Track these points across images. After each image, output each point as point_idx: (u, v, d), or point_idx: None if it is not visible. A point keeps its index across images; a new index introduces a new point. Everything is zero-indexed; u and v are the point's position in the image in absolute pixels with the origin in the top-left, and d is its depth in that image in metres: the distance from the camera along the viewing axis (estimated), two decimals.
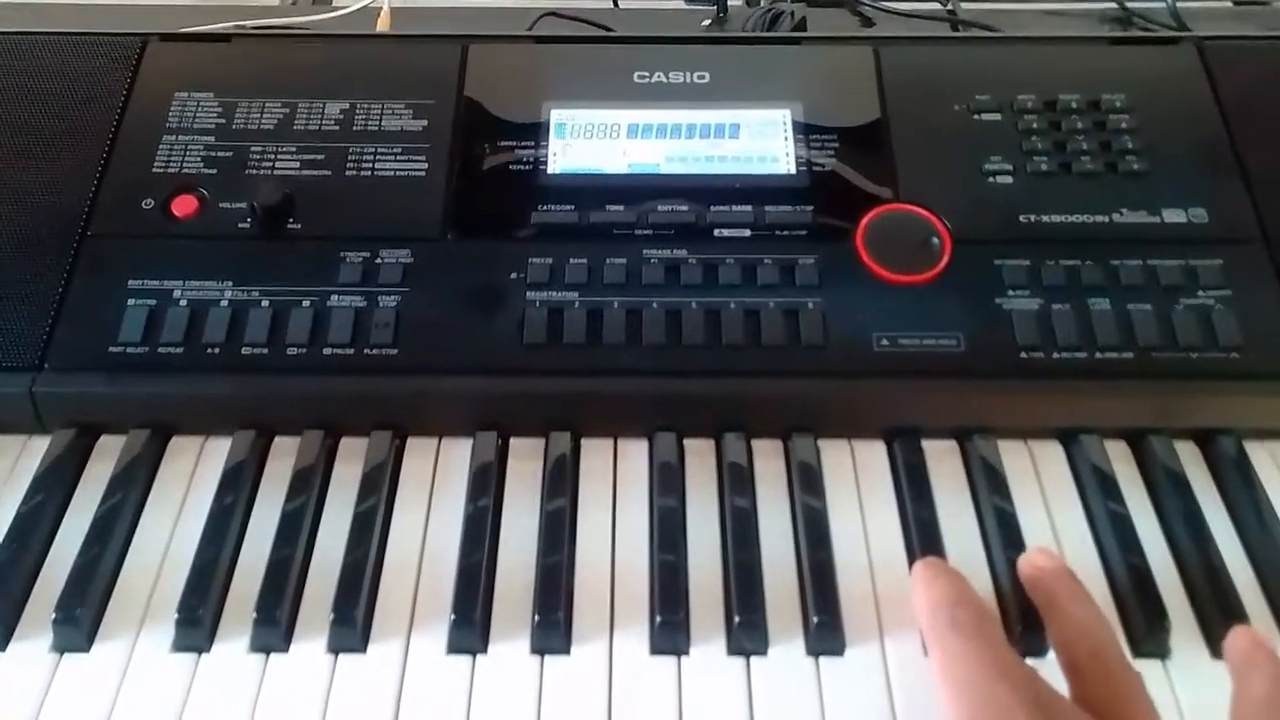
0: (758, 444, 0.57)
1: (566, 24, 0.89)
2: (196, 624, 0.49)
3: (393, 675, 0.48)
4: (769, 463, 0.56)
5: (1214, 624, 0.49)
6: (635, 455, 0.57)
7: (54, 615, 0.49)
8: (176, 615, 0.49)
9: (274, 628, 0.49)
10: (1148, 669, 0.48)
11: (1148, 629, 0.49)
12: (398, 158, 0.64)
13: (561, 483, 0.55)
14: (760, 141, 0.65)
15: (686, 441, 0.57)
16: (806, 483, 0.55)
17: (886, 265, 0.60)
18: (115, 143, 0.64)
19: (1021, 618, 0.49)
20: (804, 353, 0.57)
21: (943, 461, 0.57)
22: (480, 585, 0.50)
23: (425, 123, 0.65)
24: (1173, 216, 0.61)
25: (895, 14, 0.93)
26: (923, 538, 0.52)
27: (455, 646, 0.49)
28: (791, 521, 0.54)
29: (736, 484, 0.54)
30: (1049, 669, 0.48)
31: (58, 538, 0.54)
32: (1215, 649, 0.49)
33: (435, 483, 0.56)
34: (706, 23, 0.94)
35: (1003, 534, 0.53)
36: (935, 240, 0.61)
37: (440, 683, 0.48)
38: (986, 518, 0.54)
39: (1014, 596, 0.50)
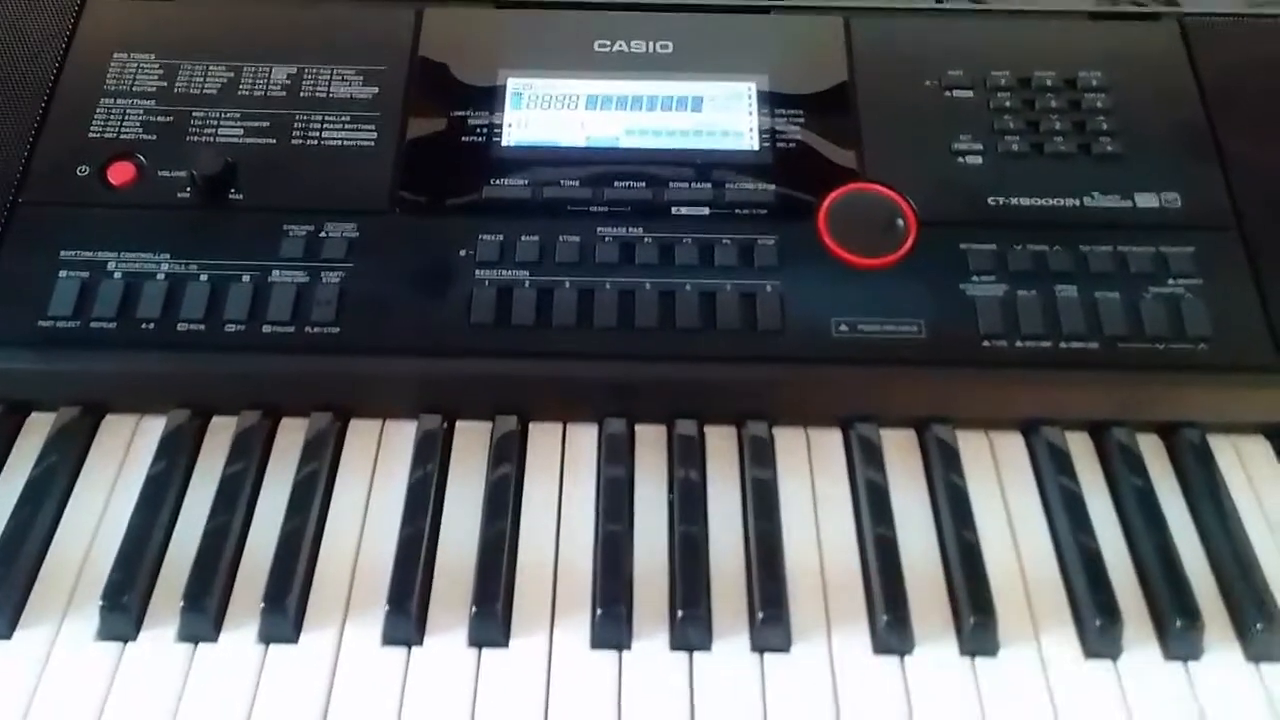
0: (711, 441, 0.55)
1: None
2: (122, 611, 0.47)
3: (325, 667, 0.47)
4: (722, 457, 0.54)
5: (1169, 624, 0.48)
6: (584, 441, 0.55)
7: None
8: (101, 602, 0.48)
9: (202, 616, 0.48)
10: (1097, 670, 0.47)
11: (1100, 628, 0.47)
12: (346, 126, 0.62)
13: (506, 470, 0.53)
14: (723, 115, 0.62)
15: (638, 433, 0.55)
16: (758, 461, 0.53)
17: (849, 247, 0.58)
18: (50, 105, 0.62)
19: (974, 610, 0.48)
20: (760, 337, 0.55)
21: (900, 450, 0.55)
22: (417, 575, 0.49)
23: (376, 90, 0.63)
24: (1145, 201, 0.59)
25: None
26: (877, 538, 0.51)
27: (390, 638, 0.48)
28: (742, 515, 0.52)
29: (685, 458, 0.53)
30: (1007, 667, 0.47)
31: None
32: (1169, 650, 0.48)
33: (377, 466, 0.54)
34: None
35: (958, 527, 0.51)
36: (900, 222, 0.59)
37: (374, 675, 0.47)
38: (942, 509, 0.53)
39: (966, 588, 0.49)
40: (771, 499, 0.52)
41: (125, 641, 0.48)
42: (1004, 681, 0.47)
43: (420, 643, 0.48)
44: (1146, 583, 0.50)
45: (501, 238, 0.58)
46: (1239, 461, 0.55)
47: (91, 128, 0.61)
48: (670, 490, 0.53)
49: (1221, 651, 0.48)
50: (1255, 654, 0.47)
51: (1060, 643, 0.48)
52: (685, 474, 0.53)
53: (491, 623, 0.47)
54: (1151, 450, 0.55)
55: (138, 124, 0.61)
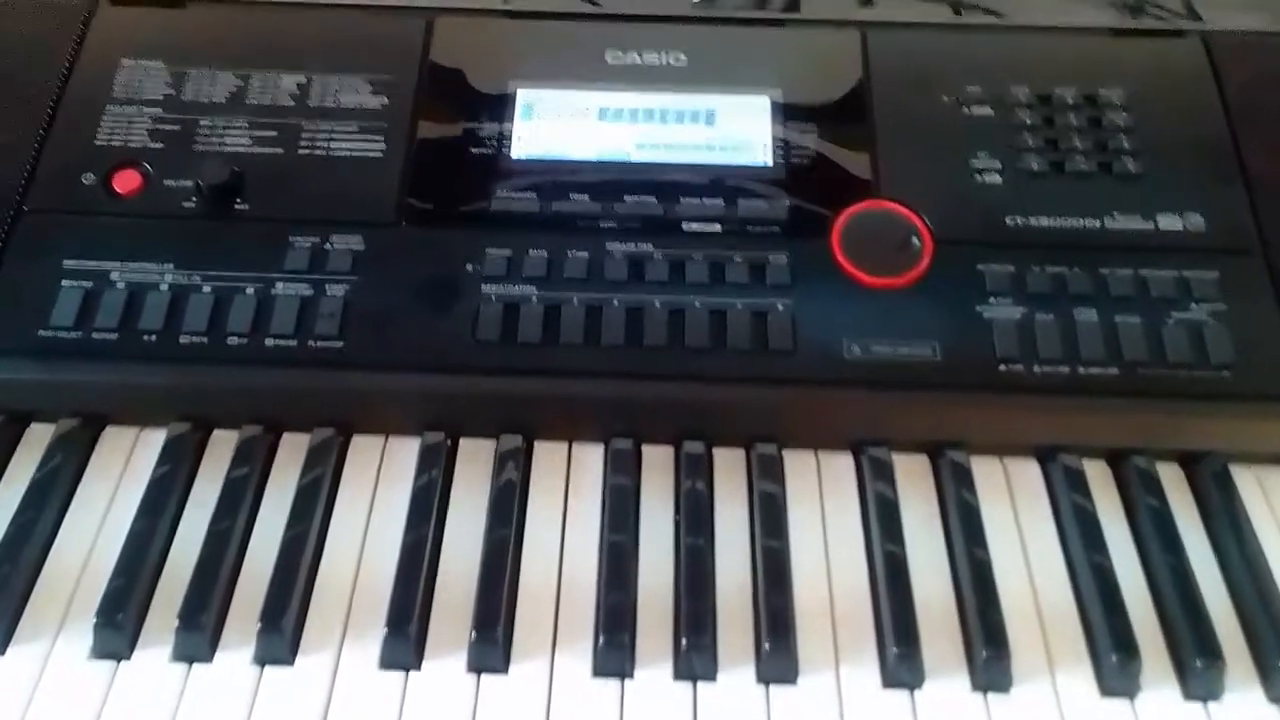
0: (719, 464, 0.54)
1: None
2: (116, 629, 0.47)
3: (321, 690, 0.46)
4: (730, 481, 0.53)
5: (1188, 663, 0.46)
6: (590, 461, 0.54)
7: None
8: (95, 619, 0.47)
9: (198, 635, 0.47)
10: (1114, 709, 0.45)
11: (1117, 665, 0.46)
12: (354, 137, 0.61)
13: (509, 490, 0.52)
14: (737, 130, 0.61)
15: (645, 454, 0.54)
16: (765, 476, 0.52)
17: (862, 266, 0.57)
18: (57, 112, 0.61)
19: (987, 643, 0.47)
20: (771, 358, 0.54)
21: (912, 475, 0.54)
22: (417, 597, 0.48)
23: (385, 100, 0.62)
24: (1168, 223, 0.58)
25: None
26: (888, 566, 0.49)
27: (388, 661, 0.47)
28: (749, 541, 0.51)
29: (692, 480, 0.52)
30: (1020, 704, 0.45)
31: None
32: (1188, 690, 0.46)
33: (379, 484, 0.53)
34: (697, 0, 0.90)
35: (971, 556, 0.50)
36: (915, 241, 0.57)
37: (370, 700, 0.46)
38: (955, 537, 0.51)
39: (979, 620, 0.47)
40: (779, 515, 0.51)
41: (119, 660, 0.47)
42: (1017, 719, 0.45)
43: (418, 667, 0.47)
44: (1166, 618, 0.48)
45: (509, 252, 0.57)
46: (1262, 493, 0.53)
47: (98, 135, 0.60)
48: (676, 513, 0.52)
49: (1243, 691, 0.46)
50: (1278, 695, 0.46)
51: (1076, 680, 0.47)
52: (692, 497, 0.52)
53: (492, 648, 0.46)
54: (1172, 480, 0.54)
55: (144, 132, 0.61)
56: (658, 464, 0.54)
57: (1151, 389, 0.53)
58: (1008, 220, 0.58)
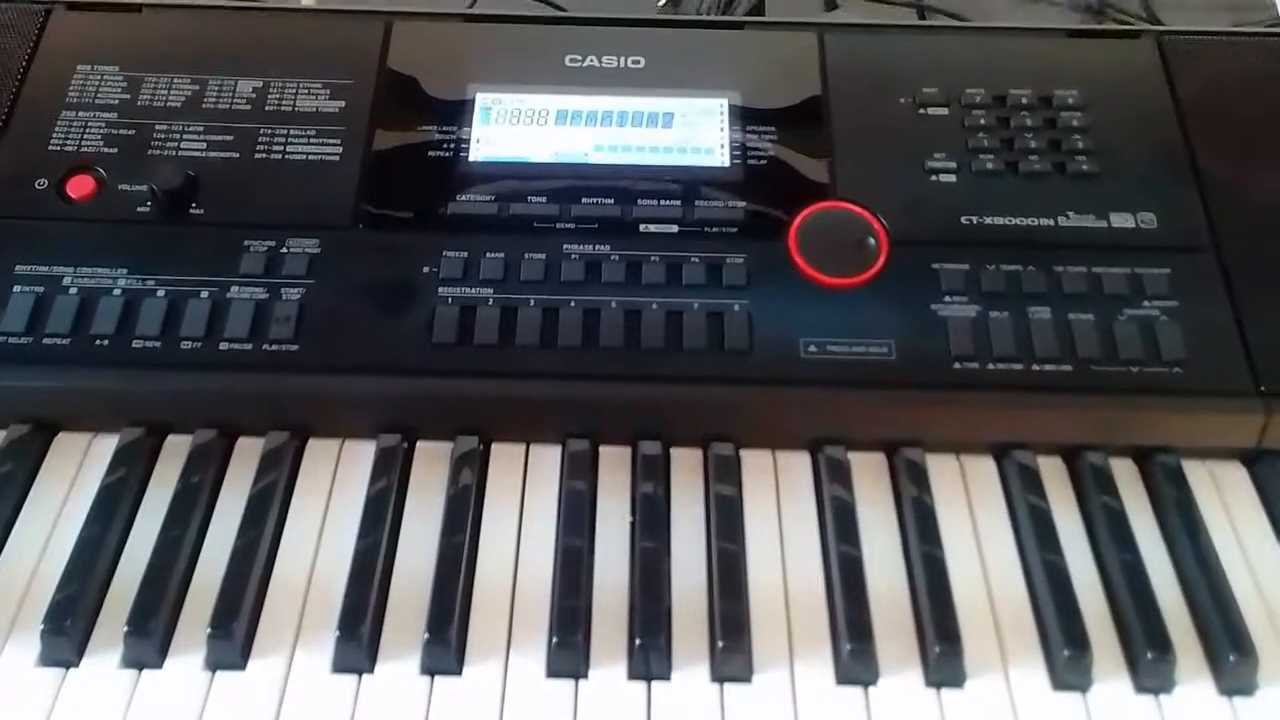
0: (675, 464, 0.54)
1: (512, 1, 0.85)
2: (64, 635, 0.46)
3: (272, 695, 0.46)
4: (686, 481, 0.53)
5: (1139, 656, 0.46)
6: (546, 462, 0.54)
7: None
8: (43, 626, 0.46)
9: (147, 641, 0.46)
10: (1066, 703, 0.46)
11: (1068, 659, 0.46)
12: (311, 140, 0.61)
13: (465, 492, 0.52)
14: (694, 131, 0.61)
15: (601, 455, 0.54)
16: (721, 478, 0.52)
17: (819, 266, 0.57)
18: (10, 118, 0.61)
19: (940, 639, 0.47)
20: (728, 358, 0.54)
21: (869, 475, 0.54)
22: (370, 601, 0.48)
23: (342, 104, 0.62)
24: (1121, 221, 0.59)
25: None
26: (842, 566, 0.49)
27: (340, 665, 0.46)
28: (705, 541, 0.51)
29: (648, 480, 0.52)
30: (974, 699, 0.46)
31: None
32: (1140, 682, 0.46)
33: (334, 487, 0.53)
34: (662, 3, 0.90)
35: (925, 552, 0.50)
36: (871, 241, 0.58)
37: (322, 704, 0.45)
38: (910, 534, 0.51)
39: (932, 616, 0.48)
40: (735, 517, 0.51)
41: (67, 667, 0.46)
42: (970, 714, 0.45)
43: (371, 670, 0.46)
44: (1118, 612, 0.49)
45: (466, 255, 0.57)
46: (1215, 488, 0.54)
47: (52, 140, 0.60)
48: (632, 513, 0.52)
49: (1194, 684, 0.46)
50: (1228, 687, 0.46)
51: (1028, 674, 0.47)
52: (648, 496, 0.52)
53: (444, 650, 0.46)
54: (1126, 476, 0.54)
55: (99, 137, 0.60)
56: (615, 461, 0.54)
57: (1105, 385, 0.54)
58: (963, 220, 0.58)
